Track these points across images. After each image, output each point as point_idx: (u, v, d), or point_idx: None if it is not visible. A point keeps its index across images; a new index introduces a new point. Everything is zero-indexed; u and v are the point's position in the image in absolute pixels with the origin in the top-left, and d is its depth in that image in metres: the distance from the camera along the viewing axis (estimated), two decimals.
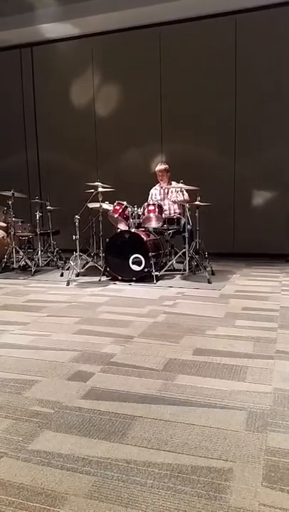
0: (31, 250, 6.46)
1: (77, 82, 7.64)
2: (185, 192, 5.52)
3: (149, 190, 5.97)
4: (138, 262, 5.01)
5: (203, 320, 3.40)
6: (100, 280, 5.13)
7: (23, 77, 7.94)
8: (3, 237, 6.00)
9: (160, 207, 5.28)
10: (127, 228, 5.23)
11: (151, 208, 5.23)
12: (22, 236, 6.16)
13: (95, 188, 5.42)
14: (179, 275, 5.30)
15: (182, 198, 5.51)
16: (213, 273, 5.38)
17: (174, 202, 5.70)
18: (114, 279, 5.14)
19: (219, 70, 6.73)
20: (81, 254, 5.42)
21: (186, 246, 5.12)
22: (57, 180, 7.71)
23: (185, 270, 5.23)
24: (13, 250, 5.77)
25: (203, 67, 6.80)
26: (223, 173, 6.85)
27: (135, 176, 6.96)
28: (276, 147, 6.56)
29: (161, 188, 5.87)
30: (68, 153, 7.74)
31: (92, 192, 5.45)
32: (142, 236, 5.01)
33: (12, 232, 5.81)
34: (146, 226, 5.29)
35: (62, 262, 6.24)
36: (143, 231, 5.22)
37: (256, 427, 1.80)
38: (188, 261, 5.20)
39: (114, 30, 7.11)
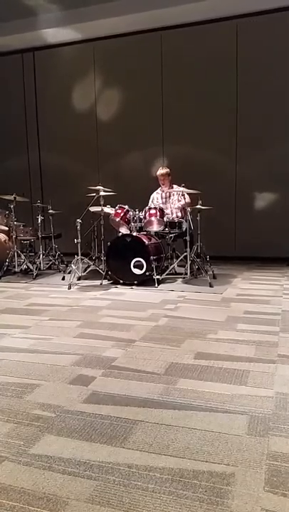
0: (33, 254, 6.47)
1: (79, 86, 7.67)
2: (186, 195, 5.53)
3: (151, 194, 5.98)
4: (139, 266, 5.01)
5: (205, 324, 3.40)
6: (101, 284, 5.13)
7: (25, 82, 7.97)
8: (4, 240, 6.01)
9: (162, 210, 5.28)
10: (128, 232, 5.24)
11: (152, 211, 5.24)
12: (24, 240, 6.17)
13: (97, 191, 5.44)
14: (181, 279, 5.30)
15: (184, 202, 5.53)
16: (214, 277, 5.37)
17: (178, 208, 5.71)
18: (115, 282, 5.14)
19: (221, 74, 6.76)
20: (83, 257, 5.43)
21: (188, 249, 5.12)
22: (58, 183, 7.73)
23: (186, 274, 5.23)
24: (15, 254, 5.77)
25: (204, 70, 6.83)
26: (224, 176, 6.86)
27: (137, 179, 6.98)
28: (278, 149, 6.57)
29: (163, 191, 5.88)
30: (70, 157, 7.77)
31: (94, 196, 5.47)
32: (144, 240, 5.01)
33: (14, 236, 5.81)
34: (147, 230, 5.30)
35: (64, 265, 6.25)
36: (144, 235, 5.22)
37: (258, 431, 1.79)
38: (190, 264, 5.20)
39: (116, 35, 7.14)
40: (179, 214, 5.71)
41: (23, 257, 5.84)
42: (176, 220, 5.43)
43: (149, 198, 5.94)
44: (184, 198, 5.54)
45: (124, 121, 7.36)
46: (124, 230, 5.33)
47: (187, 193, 5.47)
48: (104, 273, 5.25)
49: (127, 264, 5.05)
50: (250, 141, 6.72)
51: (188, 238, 5.09)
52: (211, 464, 1.58)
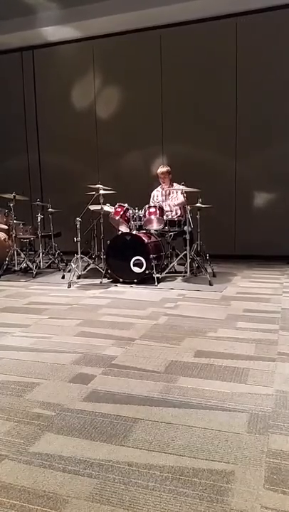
0: (33, 252, 6.47)
1: (79, 85, 7.66)
2: (180, 194, 5.52)
3: (151, 192, 5.98)
4: (139, 264, 5.01)
5: (205, 322, 3.40)
6: (101, 282, 5.13)
7: (24, 80, 7.96)
8: (4, 239, 6.01)
9: (161, 209, 5.28)
10: (128, 230, 5.23)
11: (152, 209, 5.23)
12: (23, 238, 6.17)
13: (96, 190, 5.43)
14: (180, 277, 5.30)
15: (181, 200, 5.52)
16: (214, 275, 5.37)
17: (177, 205, 5.71)
18: (115, 281, 5.14)
19: (220, 72, 6.74)
20: (82, 256, 5.43)
21: (187, 248, 5.12)
22: (58, 182, 7.73)
23: (186, 272, 5.23)
24: (15, 252, 5.77)
25: (204, 69, 6.81)
26: (224, 175, 6.86)
27: (136, 178, 6.97)
28: (278, 149, 6.56)
29: (163, 189, 5.88)
30: (69, 156, 7.76)
31: (94, 194, 5.46)
32: (143, 238, 5.01)
33: (13, 235, 5.81)
34: (147, 228, 5.29)
35: (64, 264, 6.25)
36: (144, 233, 5.22)
37: (258, 429, 1.79)
38: (190, 263, 5.20)
39: (115, 33, 7.13)
40: (179, 212, 5.71)
41: (22, 255, 5.83)
42: (175, 218, 5.42)
43: (150, 197, 5.93)
44: (184, 196, 5.53)
45: (124, 120, 7.35)
46: (123, 229, 5.33)
47: (187, 191, 5.46)
48: (104, 271, 5.25)
49: (127, 262, 5.04)
50: (250, 141, 6.71)
51: (187, 237, 5.08)
52: (211, 462, 1.58)
